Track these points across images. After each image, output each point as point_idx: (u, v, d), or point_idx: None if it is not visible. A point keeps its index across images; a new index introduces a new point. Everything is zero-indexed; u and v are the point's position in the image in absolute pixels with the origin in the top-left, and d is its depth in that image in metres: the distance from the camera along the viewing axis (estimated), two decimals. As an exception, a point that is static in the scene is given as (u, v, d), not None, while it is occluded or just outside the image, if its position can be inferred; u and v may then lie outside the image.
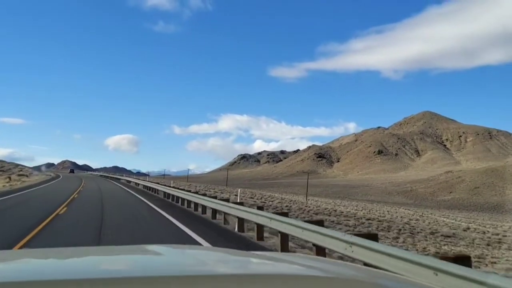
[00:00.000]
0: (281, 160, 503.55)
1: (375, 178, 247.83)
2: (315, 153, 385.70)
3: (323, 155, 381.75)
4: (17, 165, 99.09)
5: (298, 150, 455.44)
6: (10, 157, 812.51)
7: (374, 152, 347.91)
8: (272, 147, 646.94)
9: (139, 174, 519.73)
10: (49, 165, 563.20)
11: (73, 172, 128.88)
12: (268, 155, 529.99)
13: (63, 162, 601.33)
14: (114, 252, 2.43)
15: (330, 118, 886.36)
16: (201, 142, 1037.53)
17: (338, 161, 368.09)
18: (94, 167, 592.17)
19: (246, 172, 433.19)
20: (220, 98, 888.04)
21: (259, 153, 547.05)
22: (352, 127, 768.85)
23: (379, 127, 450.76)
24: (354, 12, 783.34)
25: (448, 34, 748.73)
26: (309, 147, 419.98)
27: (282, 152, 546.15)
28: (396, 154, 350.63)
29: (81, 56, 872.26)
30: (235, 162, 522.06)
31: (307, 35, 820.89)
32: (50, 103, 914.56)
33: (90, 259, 2.10)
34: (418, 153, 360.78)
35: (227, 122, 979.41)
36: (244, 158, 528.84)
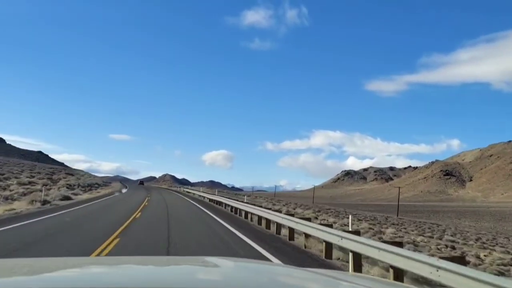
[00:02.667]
0: (391, 178, 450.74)
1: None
2: (441, 170, 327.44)
3: (450, 172, 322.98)
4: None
5: (417, 167, 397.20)
6: (118, 170, 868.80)
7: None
8: (366, 164, 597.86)
9: (233, 189, 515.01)
10: (151, 178, 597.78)
11: (143, 184, 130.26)
12: (375, 171, 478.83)
13: (164, 175, 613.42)
14: (169, 263, 2.52)
15: (430, 134, 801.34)
16: (292, 158, 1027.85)
17: (471, 180, 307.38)
18: (192, 181, 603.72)
19: (353, 191, 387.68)
20: (313, 114, 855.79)
21: (365, 169, 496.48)
22: (455, 144, 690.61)
23: (510, 141, 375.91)
24: (461, 20, 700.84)
25: None
26: (432, 163, 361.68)
27: (391, 168, 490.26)
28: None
29: (181, 75, 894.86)
30: (338, 178, 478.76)
31: (407, 47, 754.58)
32: (153, 121, 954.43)
33: (138, 269, 2.20)
34: None
35: (320, 138, 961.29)
36: (349, 174, 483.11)
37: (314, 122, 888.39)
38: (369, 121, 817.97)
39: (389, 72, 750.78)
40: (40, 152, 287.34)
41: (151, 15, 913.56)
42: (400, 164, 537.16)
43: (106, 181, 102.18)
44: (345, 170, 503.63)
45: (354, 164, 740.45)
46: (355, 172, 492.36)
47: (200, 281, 1.89)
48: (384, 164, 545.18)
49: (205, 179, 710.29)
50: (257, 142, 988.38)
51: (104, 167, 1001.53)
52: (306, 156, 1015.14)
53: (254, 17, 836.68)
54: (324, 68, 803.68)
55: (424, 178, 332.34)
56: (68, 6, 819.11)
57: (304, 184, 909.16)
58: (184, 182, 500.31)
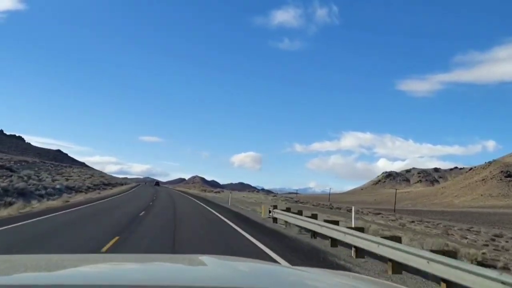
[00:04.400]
0: (436, 180, 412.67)
1: None
2: (501, 171, 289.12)
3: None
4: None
5: (472, 167, 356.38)
6: (148, 172, 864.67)
7: None
8: (397, 166, 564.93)
9: (263, 190, 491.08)
10: (181, 180, 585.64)
11: (158, 185, 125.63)
12: (418, 173, 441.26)
13: (193, 177, 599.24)
14: (163, 260, 2.59)
15: (465, 135, 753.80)
16: (322, 160, 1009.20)
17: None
18: (221, 183, 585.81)
19: (398, 194, 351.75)
20: (343, 115, 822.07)
21: (408, 171, 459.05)
22: (491, 146, 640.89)
23: None
24: (498, 16, 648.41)
25: None
26: (489, 164, 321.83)
27: (436, 170, 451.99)
28: None
29: (209, 76, 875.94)
30: (379, 181, 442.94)
31: (441, 45, 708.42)
32: (182, 122, 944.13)
33: (130, 266, 2.25)
34: None
35: (350, 140, 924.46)
36: (390, 176, 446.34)
37: (343, 123, 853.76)
38: (400, 122, 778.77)
39: (422, 71, 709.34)
40: (58, 150, 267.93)
41: (178, 17, 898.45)
42: (432, 165, 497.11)
43: (121, 182, 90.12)
44: (386, 172, 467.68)
45: (385, 166, 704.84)
46: (397, 174, 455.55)
47: (188, 279, 1.94)
48: (416, 165, 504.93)
49: (235, 181, 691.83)
50: (286, 144, 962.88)
51: (135, 168, 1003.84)
52: (336, 158, 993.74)
53: (283, 16, 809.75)
54: (354, 67, 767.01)
55: (482, 180, 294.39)
56: (95, 6, 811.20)
57: (333, 186, 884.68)
58: (213, 184, 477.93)
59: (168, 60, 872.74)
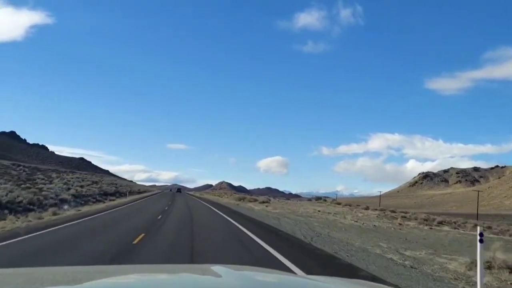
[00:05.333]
0: (476, 180, 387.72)
1: None
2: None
3: None
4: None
5: (505, 166, 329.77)
6: (176, 179, 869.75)
7: None
8: (427, 167, 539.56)
9: (290, 195, 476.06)
10: (208, 186, 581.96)
11: (180, 191, 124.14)
12: (457, 173, 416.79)
13: (220, 183, 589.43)
14: (169, 271, 2.61)
15: (497, 133, 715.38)
16: (349, 163, 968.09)
17: None
18: (248, 188, 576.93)
19: (439, 196, 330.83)
20: (370, 117, 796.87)
21: (445, 171, 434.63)
22: None
23: None
24: None
25: None
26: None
27: (476, 169, 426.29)
28: None
29: (233, 82, 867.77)
30: (415, 182, 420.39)
31: (471, 41, 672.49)
32: (208, 129, 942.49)
33: (140, 277, 2.25)
34: None
35: (377, 141, 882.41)
36: (427, 177, 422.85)
37: (371, 125, 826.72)
38: (429, 121, 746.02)
39: (451, 69, 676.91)
40: (81, 158, 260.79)
41: (202, 25, 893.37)
42: (463, 165, 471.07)
43: (141, 189, 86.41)
44: (423, 173, 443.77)
45: (414, 167, 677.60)
46: (435, 174, 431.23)
47: None
48: (447, 166, 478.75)
49: (262, 186, 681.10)
50: (312, 147, 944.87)
51: (163, 176, 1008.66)
52: (364, 160, 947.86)
53: (307, 19, 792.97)
54: (380, 67, 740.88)
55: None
56: (120, 16, 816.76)
57: (362, 189, 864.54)
58: (240, 190, 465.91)
59: (194, 67, 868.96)
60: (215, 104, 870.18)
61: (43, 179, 36.56)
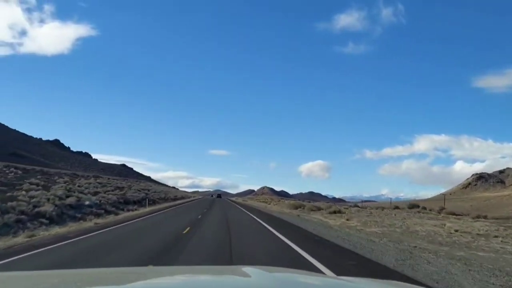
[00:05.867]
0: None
1: None
2: None
3: None
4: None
5: None
6: (218, 185, 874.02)
7: None
8: (476, 168, 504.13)
9: (334, 200, 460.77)
10: (250, 192, 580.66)
11: (220, 197, 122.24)
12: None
13: (262, 188, 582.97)
14: (200, 272, 2.66)
15: None
16: (394, 166, 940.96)
17: None
18: (290, 193, 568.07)
19: (497, 198, 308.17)
20: (415, 118, 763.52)
21: (501, 172, 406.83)
22: None
23: None
24: None
25: None
26: None
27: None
28: None
29: (274, 87, 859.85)
30: (469, 184, 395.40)
31: None
32: (249, 135, 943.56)
33: (171, 279, 2.27)
34: None
35: (423, 143, 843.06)
36: (482, 178, 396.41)
37: (416, 126, 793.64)
38: (478, 121, 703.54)
39: (500, 66, 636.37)
40: (123, 165, 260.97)
41: (240, 31, 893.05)
42: None
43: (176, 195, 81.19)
44: (477, 174, 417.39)
45: (462, 168, 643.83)
46: (489, 175, 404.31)
47: None
48: (499, 166, 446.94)
49: (304, 191, 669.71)
50: (355, 151, 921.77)
51: (206, 182, 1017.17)
52: (409, 163, 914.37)
53: (347, 20, 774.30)
54: (425, 67, 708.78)
55: None
56: (162, 27, 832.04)
57: (407, 192, 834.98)
58: (283, 194, 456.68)
59: (233, 73, 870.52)
60: (255, 110, 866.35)
61: (37, 184, 29.76)
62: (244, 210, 45.07)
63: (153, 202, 44.22)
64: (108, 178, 62.76)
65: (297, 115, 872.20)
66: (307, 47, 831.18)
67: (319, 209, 42.43)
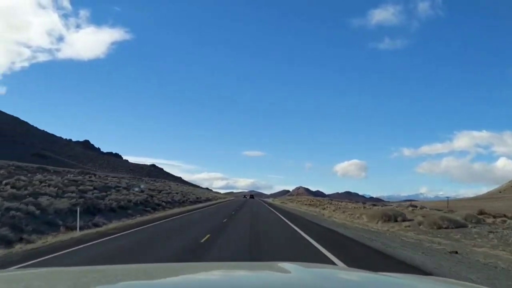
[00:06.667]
0: None
1: None
2: None
3: None
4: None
5: None
6: (253, 186, 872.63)
7: None
8: None
9: (371, 199, 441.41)
10: (285, 192, 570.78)
11: (253, 197, 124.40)
12: None
13: (297, 188, 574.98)
14: (237, 268, 2.61)
15: None
16: (432, 163, 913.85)
17: None
18: (326, 193, 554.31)
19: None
20: (454, 114, 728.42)
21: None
22: None
23: None
24: None
25: None
26: None
27: None
28: None
29: (308, 86, 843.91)
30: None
31: None
32: (283, 136, 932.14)
33: (207, 275, 2.29)
34: None
35: (463, 140, 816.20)
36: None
37: (455, 122, 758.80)
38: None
39: None
40: (153, 165, 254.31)
41: (275, 28, 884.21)
42: None
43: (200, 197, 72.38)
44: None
45: (505, 165, 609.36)
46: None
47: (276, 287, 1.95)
48: None
49: (340, 190, 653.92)
50: (392, 149, 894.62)
51: (241, 183, 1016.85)
52: (449, 160, 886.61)
53: (382, 15, 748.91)
54: (463, 60, 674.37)
55: None
56: (195, 28, 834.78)
57: (447, 190, 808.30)
58: (318, 194, 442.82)
59: (266, 74, 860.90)
60: (289, 110, 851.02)
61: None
62: (283, 217, 31.50)
63: (153, 208, 32.70)
64: (89, 176, 52.34)
65: (332, 114, 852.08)
66: (341, 42, 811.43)
67: (405, 219, 26.58)
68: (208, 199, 76.31)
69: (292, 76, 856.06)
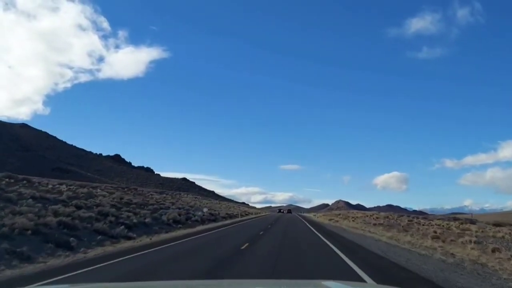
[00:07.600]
0: None
1: None
2: None
3: None
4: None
5: None
6: (291, 200, 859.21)
7: None
8: None
9: (415, 212, 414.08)
10: (324, 206, 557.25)
11: (290, 212, 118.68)
12: None
13: (337, 202, 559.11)
14: (277, 285, 2.46)
15: None
16: (477, 175, 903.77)
17: None
18: (367, 206, 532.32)
19: None
20: (499, 123, 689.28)
21: None
22: None
23: None
24: None
25: None
26: None
27: None
28: None
29: (345, 98, 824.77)
30: None
31: None
32: (320, 149, 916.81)
33: None
34: None
35: (509, 149, 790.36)
36: None
37: (500, 131, 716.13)
38: None
39: None
40: (184, 179, 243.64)
41: (309, 40, 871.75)
42: None
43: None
44: None
45: None
46: None
47: None
48: None
49: (381, 204, 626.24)
50: (434, 160, 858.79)
51: (278, 197, 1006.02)
52: (494, 171, 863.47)
53: (420, 23, 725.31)
54: (507, 67, 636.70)
55: None
56: (230, 43, 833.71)
57: (493, 202, 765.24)
58: (359, 208, 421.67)
59: (302, 86, 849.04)
60: (326, 123, 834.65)
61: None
62: (346, 259, 14.73)
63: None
64: (99, 188, 39.66)
65: (370, 125, 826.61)
66: (379, 53, 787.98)
67: None
68: (228, 216, 59.57)
69: (328, 89, 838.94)
